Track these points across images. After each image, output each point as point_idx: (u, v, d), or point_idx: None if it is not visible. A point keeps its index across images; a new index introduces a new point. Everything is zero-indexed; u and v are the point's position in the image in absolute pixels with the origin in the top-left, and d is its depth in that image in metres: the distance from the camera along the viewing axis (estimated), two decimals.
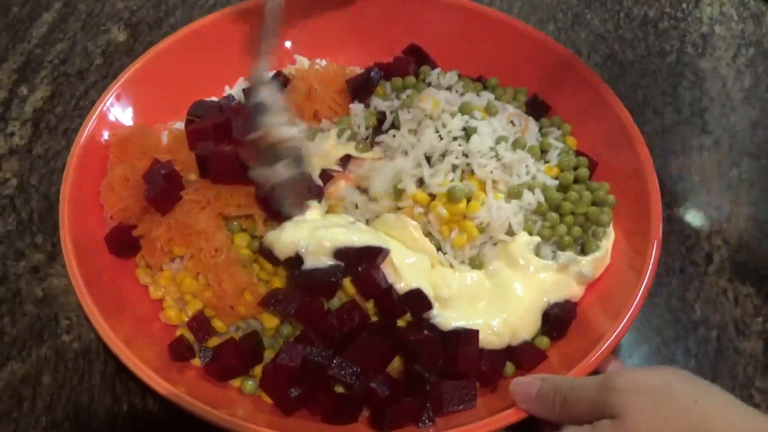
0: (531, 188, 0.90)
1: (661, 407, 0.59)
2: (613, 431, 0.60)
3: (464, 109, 0.93)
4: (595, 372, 0.75)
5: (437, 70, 1.02)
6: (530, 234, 0.88)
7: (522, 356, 0.82)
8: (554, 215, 0.90)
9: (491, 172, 0.88)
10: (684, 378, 0.62)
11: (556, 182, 0.92)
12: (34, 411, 0.81)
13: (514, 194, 0.89)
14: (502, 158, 0.89)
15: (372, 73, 1.02)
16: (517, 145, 0.92)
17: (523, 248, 0.86)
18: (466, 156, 0.89)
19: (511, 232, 0.88)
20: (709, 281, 0.94)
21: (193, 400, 0.71)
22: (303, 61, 1.06)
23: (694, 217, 0.99)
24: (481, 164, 0.88)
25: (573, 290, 0.86)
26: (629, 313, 0.79)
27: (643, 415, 0.59)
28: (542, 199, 0.90)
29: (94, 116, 0.92)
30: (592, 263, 0.87)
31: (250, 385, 0.79)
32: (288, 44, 1.07)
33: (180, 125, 0.97)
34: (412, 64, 1.03)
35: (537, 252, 0.87)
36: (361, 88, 1.00)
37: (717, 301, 0.93)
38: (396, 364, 0.80)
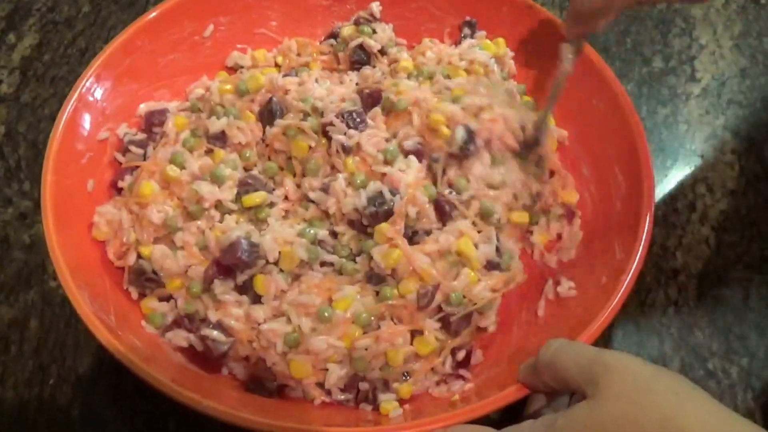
0: None
1: (640, 394, 0.57)
2: (587, 414, 0.59)
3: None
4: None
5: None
6: None
7: None
8: None
9: None
10: (673, 374, 0.60)
11: None
12: (22, 354, 0.83)
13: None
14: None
15: None
16: None
17: None
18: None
19: None
20: (691, 229, 0.95)
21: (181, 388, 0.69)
22: None
23: (678, 165, 0.99)
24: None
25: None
26: (631, 274, 0.77)
27: (619, 399, 0.57)
28: None
29: (75, 97, 0.85)
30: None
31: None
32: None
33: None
34: None
35: None
36: None
37: (699, 249, 0.93)
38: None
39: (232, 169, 0.84)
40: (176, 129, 0.88)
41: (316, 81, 0.91)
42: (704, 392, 0.59)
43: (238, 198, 0.83)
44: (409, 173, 0.82)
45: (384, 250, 0.77)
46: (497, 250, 0.81)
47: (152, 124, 0.89)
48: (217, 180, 0.82)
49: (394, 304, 0.76)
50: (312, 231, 0.80)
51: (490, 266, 0.80)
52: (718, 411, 0.57)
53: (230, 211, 0.83)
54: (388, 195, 0.80)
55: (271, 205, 0.84)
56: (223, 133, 0.86)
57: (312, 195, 0.84)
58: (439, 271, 0.77)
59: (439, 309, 0.77)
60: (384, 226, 0.78)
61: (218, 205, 0.82)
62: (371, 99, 0.88)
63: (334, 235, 0.83)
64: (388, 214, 0.79)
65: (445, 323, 0.76)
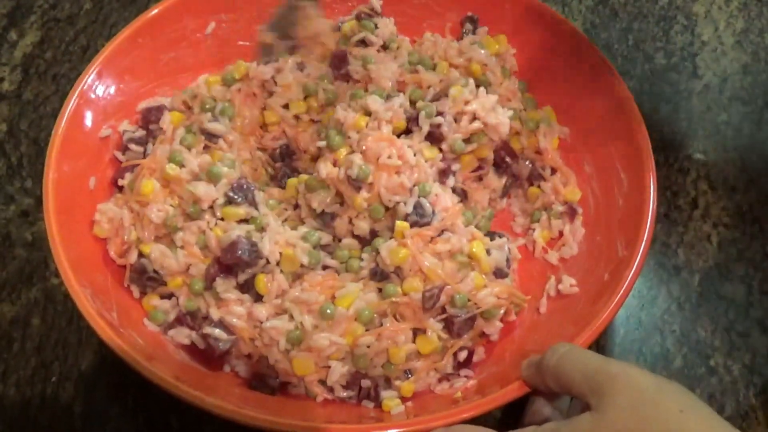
0: None
1: (645, 407, 0.57)
2: (591, 426, 0.59)
3: None
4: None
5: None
6: None
7: None
8: None
9: None
10: (677, 388, 0.60)
11: None
12: (24, 352, 0.83)
13: None
14: None
15: None
16: None
17: None
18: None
19: None
20: (693, 226, 0.95)
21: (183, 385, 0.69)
22: None
23: (680, 162, 0.99)
24: None
25: None
26: (633, 271, 0.76)
27: (623, 412, 0.57)
28: None
29: (76, 95, 0.85)
30: None
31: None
32: None
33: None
34: None
35: None
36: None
37: (700, 246, 0.93)
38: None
39: (229, 167, 0.83)
40: (172, 125, 0.88)
41: (300, 70, 0.92)
42: (708, 407, 0.59)
43: (226, 203, 0.81)
44: (447, 198, 0.83)
45: (392, 246, 0.77)
46: (507, 260, 0.82)
47: (149, 120, 0.89)
48: (213, 178, 0.81)
49: (397, 302, 0.76)
50: (316, 236, 0.80)
51: (499, 274, 0.81)
52: (721, 427, 0.57)
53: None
54: (428, 208, 0.80)
55: (253, 219, 0.81)
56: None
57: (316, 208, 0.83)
58: (446, 271, 0.77)
59: (443, 310, 0.76)
60: (403, 225, 0.78)
61: (215, 204, 0.82)
62: (337, 60, 0.93)
63: (336, 239, 0.84)
64: (424, 225, 0.80)
65: (448, 324, 0.76)
